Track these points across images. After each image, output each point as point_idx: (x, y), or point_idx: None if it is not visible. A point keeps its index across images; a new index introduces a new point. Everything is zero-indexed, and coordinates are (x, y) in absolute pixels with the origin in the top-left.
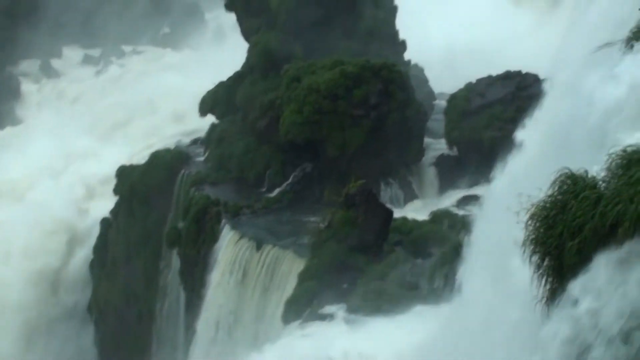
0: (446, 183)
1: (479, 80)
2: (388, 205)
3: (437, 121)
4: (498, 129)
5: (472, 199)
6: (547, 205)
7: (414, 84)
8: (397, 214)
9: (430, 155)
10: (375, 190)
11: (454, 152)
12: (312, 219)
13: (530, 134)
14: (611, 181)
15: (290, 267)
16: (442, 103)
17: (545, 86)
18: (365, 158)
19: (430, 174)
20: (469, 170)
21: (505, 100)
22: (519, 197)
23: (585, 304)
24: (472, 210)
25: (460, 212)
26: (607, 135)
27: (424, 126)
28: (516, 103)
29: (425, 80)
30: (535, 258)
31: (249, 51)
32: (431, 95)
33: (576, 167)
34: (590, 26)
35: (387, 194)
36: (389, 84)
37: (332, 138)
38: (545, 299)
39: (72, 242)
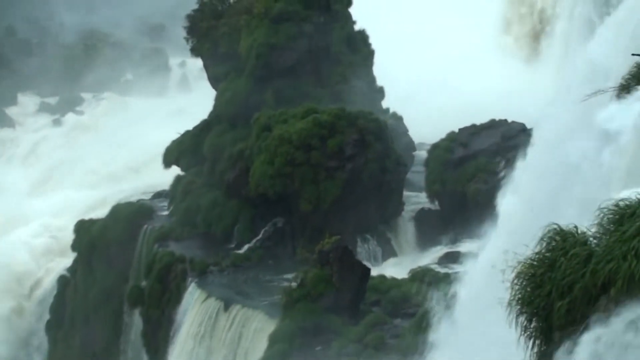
0: (427, 239)
1: (462, 130)
2: (365, 263)
3: (417, 173)
4: (483, 181)
5: (455, 256)
6: (535, 263)
7: (392, 133)
8: (375, 271)
9: (410, 210)
10: (351, 247)
11: (436, 206)
12: (284, 277)
13: (517, 188)
14: (603, 237)
15: (260, 329)
16: (422, 154)
17: (532, 138)
18: (340, 213)
19: (410, 230)
20: (451, 226)
21: (490, 151)
22: (504, 254)
23: None
24: (454, 268)
25: (442, 270)
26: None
27: (403, 178)
28: (502, 154)
29: (404, 130)
30: (521, 319)
31: (217, 99)
32: (411, 145)
33: (565, 222)
34: (579, 72)
35: (363, 250)
36: (365, 133)
37: (305, 191)
38: None
39: None
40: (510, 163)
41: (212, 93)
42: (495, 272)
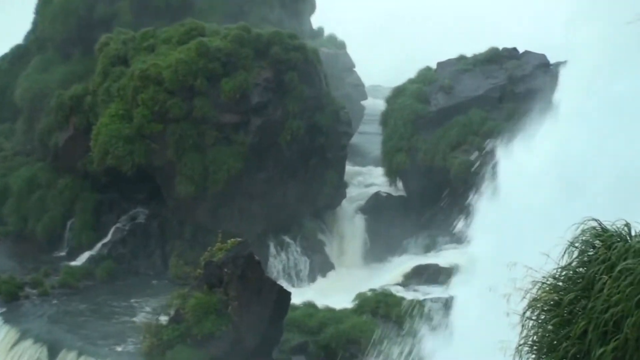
0: (384, 243)
1: (443, 64)
2: (282, 283)
3: (368, 136)
4: (475, 148)
5: (430, 272)
6: (560, 283)
7: (329, 70)
8: (298, 296)
9: (356, 195)
10: (259, 257)
11: (399, 189)
12: (148, 305)
13: (531, 161)
14: None
15: None
16: (377, 104)
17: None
18: (242, 200)
19: (357, 228)
20: (424, 222)
21: (489, 99)
22: (509, 269)
23: None
24: (429, 291)
25: (410, 295)
26: None
27: (345, 144)
28: (508, 104)
29: (348, 64)
30: None
31: (38, 12)
32: (359, 90)
33: (610, 217)
34: None
35: (280, 262)
36: (284, 70)
37: (184, 165)
38: None
39: None
40: (519, 118)
41: (30, 2)
42: (495, 299)
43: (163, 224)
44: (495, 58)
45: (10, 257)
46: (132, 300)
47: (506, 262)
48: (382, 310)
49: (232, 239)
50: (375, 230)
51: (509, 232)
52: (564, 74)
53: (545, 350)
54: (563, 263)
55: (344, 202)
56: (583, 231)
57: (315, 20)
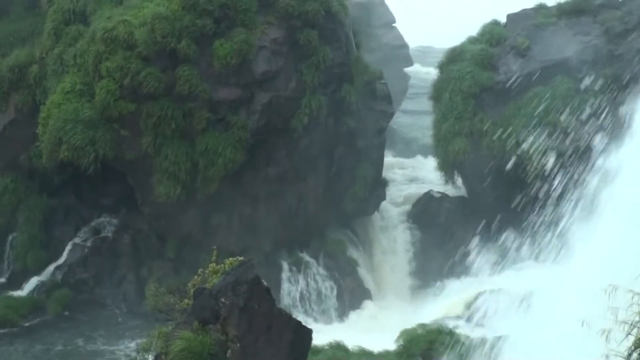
0: (438, 261)
1: (516, 17)
2: (299, 316)
3: (414, 115)
4: (562, 132)
5: (500, 299)
6: None
7: (360, 26)
8: (323, 335)
9: (399, 197)
10: (268, 282)
11: (457, 187)
12: (116, 348)
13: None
14: None
15: None
16: (426, 72)
17: None
18: (243, 206)
19: (401, 240)
20: (492, 230)
21: (579, 64)
22: (608, 295)
23: None
24: (501, 326)
25: (474, 332)
26: None
27: (384, 128)
28: (605, 70)
29: (387, 19)
30: None
31: None
32: (402, 53)
33: None
34: None
35: (296, 288)
36: (299, 26)
37: (164, 158)
38: None
39: None
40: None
41: None
42: (589, 336)
43: (137, 239)
44: (587, 7)
45: None
46: (97, 342)
47: (604, 285)
48: (437, 352)
49: (231, 258)
50: (426, 244)
51: (608, 245)
52: None
53: None
54: None
55: (383, 206)
56: None
57: None
